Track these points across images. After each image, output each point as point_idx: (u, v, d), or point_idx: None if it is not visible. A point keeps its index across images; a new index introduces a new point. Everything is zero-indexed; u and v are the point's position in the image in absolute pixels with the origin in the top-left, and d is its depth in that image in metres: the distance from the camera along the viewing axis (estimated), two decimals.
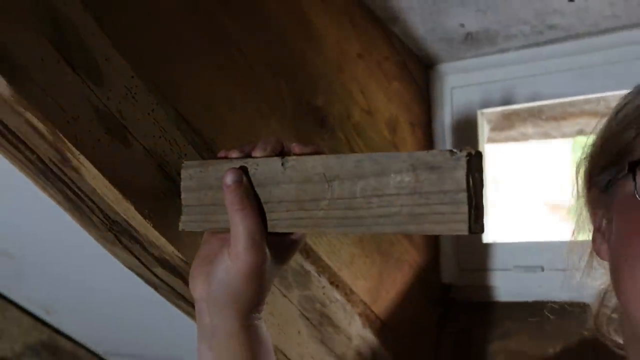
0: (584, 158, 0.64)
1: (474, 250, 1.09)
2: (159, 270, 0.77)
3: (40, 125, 0.60)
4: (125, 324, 1.24)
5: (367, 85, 0.99)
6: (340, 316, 0.90)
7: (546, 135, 1.16)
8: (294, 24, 0.88)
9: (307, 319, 0.86)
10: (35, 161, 0.67)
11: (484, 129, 1.12)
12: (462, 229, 0.48)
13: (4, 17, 0.57)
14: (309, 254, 0.85)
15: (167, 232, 0.69)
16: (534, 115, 1.14)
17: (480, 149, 1.10)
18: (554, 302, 0.83)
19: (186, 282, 0.69)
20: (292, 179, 0.58)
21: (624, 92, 0.62)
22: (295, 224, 0.58)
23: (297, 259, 0.83)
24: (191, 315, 0.80)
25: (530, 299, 1.00)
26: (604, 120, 0.63)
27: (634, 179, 0.55)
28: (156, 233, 0.68)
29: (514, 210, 1.20)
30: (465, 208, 0.48)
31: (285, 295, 0.83)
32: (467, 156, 0.48)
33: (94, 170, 0.63)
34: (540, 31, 1.00)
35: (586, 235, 0.66)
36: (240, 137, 0.77)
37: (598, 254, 0.63)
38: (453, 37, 1.05)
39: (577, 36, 1.00)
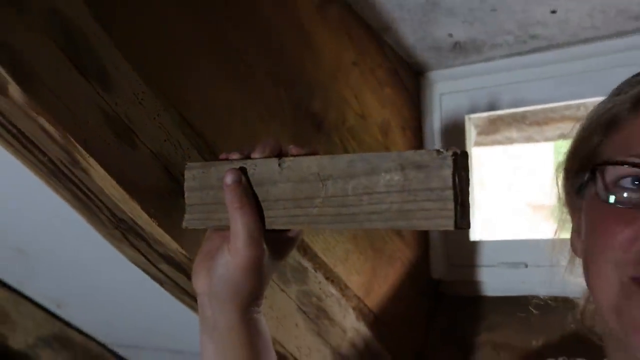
0: (561, 164, 0.65)
1: (462, 247, 1.09)
2: (164, 266, 0.77)
3: (51, 129, 0.60)
4: (132, 317, 1.24)
5: (361, 92, 0.99)
6: (336, 310, 0.90)
7: (529, 139, 1.16)
8: (292, 35, 0.88)
9: (304, 312, 0.86)
10: (47, 163, 0.67)
11: (471, 133, 1.12)
12: (449, 224, 0.48)
13: (19, 27, 0.57)
14: (306, 251, 0.85)
15: (171, 230, 0.69)
16: (518, 120, 1.14)
17: (467, 151, 1.10)
18: (537, 297, 0.83)
19: (189, 278, 0.69)
20: (288, 178, 0.58)
21: (602, 98, 0.63)
22: (292, 221, 0.59)
23: (294, 256, 0.83)
24: (194, 308, 0.80)
25: (514, 293, 1.00)
26: (578, 126, 0.63)
27: (596, 181, 0.55)
28: (161, 231, 0.68)
29: (499, 210, 1.20)
30: (451, 205, 0.48)
31: (283, 290, 0.83)
32: (453, 155, 0.48)
33: (102, 172, 0.63)
34: (524, 41, 1.01)
35: (568, 234, 0.67)
36: (241, 140, 0.77)
37: (575, 252, 0.64)
38: (442, 46, 1.05)
39: (558, 46, 1.01)
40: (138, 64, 0.67)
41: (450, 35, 1.02)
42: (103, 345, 1.44)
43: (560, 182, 0.66)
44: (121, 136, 0.65)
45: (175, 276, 0.78)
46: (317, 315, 0.87)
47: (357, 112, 0.98)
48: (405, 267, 1.04)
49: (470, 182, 0.50)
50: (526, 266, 1.03)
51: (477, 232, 1.11)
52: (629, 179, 0.54)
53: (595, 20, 0.93)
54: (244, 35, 0.81)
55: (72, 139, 0.61)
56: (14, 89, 0.57)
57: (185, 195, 0.67)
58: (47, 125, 0.60)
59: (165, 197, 0.69)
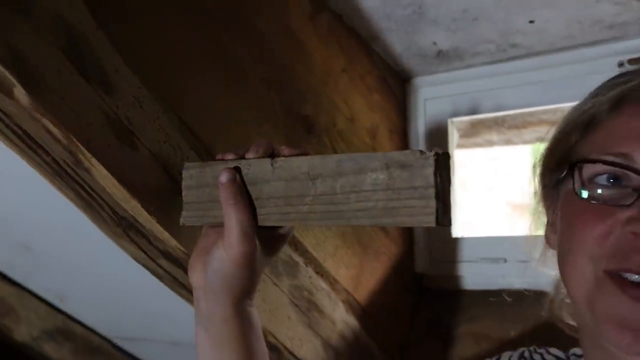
0: (539, 160, 0.66)
1: (444, 243, 1.10)
2: (163, 262, 0.77)
3: (55, 131, 0.60)
4: (132, 310, 1.23)
5: (350, 97, 0.99)
6: (326, 303, 0.90)
7: (509, 142, 1.17)
8: (285, 43, 0.89)
9: (296, 305, 0.86)
10: (51, 163, 0.67)
11: (454, 136, 1.12)
12: (430, 221, 0.48)
13: (24, 32, 0.57)
14: (297, 246, 0.86)
15: (170, 228, 0.69)
16: (498, 124, 1.15)
17: (450, 153, 1.11)
18: (515, 290, 0.84)
19: (187, 272, 0.69)
20: (280, 177, 0.58)
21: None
22: (283, 218, 0.59)
23: (286, 251, 0.83)
24: (191, 302, 0.79)
25: (494, 287, 1.00)
26: (554, 128, 0.64)
27: (573, 177, 0.56)
28: (160, 228, 0.69)
29: (480, 208, 1.20)
30: (433, 202, 0.48)
31: (276, 284, 0.83)
32: (435, 156, 0.49)
33: (104, 172, 0.63)
34: (504, 49, 1.02)
35: (542, 231, 0.67)
36: (236, 142, 0.77)
37: (549, 243, 0.64)
38: (427, 54, 1.05)
39: (536, 54, 1.01)
40: (138, 69, 0.67)
41: (435, 43, 1.02)
42: (104, 338, 1.43)
43: (537, 178, 0.66)
44: (122, 138, 0.65)
45: (174, 271, 0.78)
46: (308, 308, 0.88)
47: (347, 116, 0.99)
48: (390, 262, 1.04)
49: (452, 182, 0.51)
50: (505, 261, 1.03)
51: (459, 229, 1.11)
52: (604, 177, 0.54)
53: (571, 30, 0.94)
54: (240, 42, 0.81)
55: (76, 140, 0.61)
56: (19, 92, 0.57)
57: (183, 193, 0.67)
58: (51, 127, 0.60)
59: (164, 196, 0.69)
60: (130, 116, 0.66)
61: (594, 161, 0.55)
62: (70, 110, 0.60)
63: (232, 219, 0.59)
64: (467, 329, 1.02)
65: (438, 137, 1.11)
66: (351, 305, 0.95)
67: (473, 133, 1.18)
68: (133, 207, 0.67)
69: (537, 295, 0.76)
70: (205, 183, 0.64)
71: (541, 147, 0.66)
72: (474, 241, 1.09)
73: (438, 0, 0.92)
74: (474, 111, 1.09)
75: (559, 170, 0.60)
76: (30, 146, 0.66)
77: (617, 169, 0.53)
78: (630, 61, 0.94)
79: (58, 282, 1.28)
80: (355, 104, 1.00)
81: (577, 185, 0.55)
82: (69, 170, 0.67)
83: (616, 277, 0.52)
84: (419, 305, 1.09)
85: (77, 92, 0.61)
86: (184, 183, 0.67)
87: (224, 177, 0.60)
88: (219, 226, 0.63)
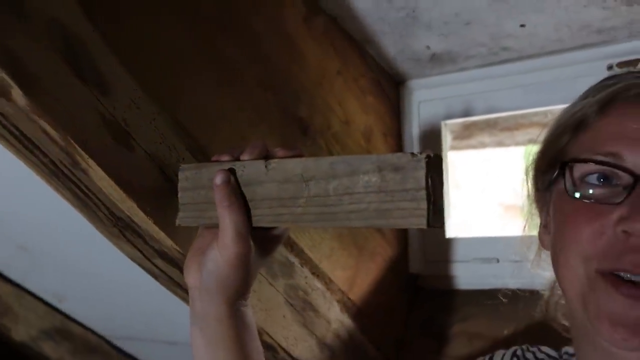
0: (531, 163, 0.66)
1: (438, 244, 1.10)
2: (159, 262, 0.76)
3: (52, 132, 0.60)
4: (129, 310, 1.23)
5: (345, 99, 0.99)
6: (321, 302, 0.90)
7: (501, 144, 1.17)
8: (281, 45, 0.89)
9: (291, 305, 0.86)
10: (48, 164, 0.67)
11: (447, 138, 1.13)
12: (421, 223, 0.48)
13: (21, 34, 0.57)
14: (293, 247, 0.85)
15: (166, 228, 0.69)
16: (491, 126, 1.15)
17: (444, 155, 1.11)
18: (508, 289, 0.84)
19: (183, 272, 0.69)
20: (274, 179, 0.58)
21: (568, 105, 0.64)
22: (277, 220, 0.59)
23: (282, 252, 0.83)
24: (187, 301, 0.79)
25: (487, 287, 1.00)
26: (546, 130, 0.64)
27: (564, 177, 0.56)
28: (156, 228, 0.68)
29: (473, 209, 1.21)
30: (424, 204, 0.48)
31: (271, 284, 0.83)
32: (426, 158, 0.48)
33: (101, 172, 0.63)
34: (496, 52, 1.02)
35: (535, 231, 0.68)
36: (232, 143, 0.77)
37: (542, 245, 0.64)
38: (420, 57, 1.06)
39: (527, 57, 1.02)
40: (134, 70, 0.67)
41: (428, 47, 1.02)
42: (102, 337, 1.42)
43: (529, 180, 0.67)
44: (119, 139, 0.65)
45: (170, 271, 0.77)
46: (304, 308, 0.87)
47: (342, 118, 0.98)
48: (385, 262, 1.04)
49: (444, 184, 0.51)
50: (498, 261, 1.03)
51: (453, 230, 1.11)
52: (595, 176, 0.54)
53: (561, 34, 0.94)
54: (235, 44, 0.81)
55: (72, 141, 0.61)
56: (16, 93, 0.57)
57: (179, 194, 0.67)
58: (48, 128, 0.60)
59: (160, 196, 0.68)
60: (127, 117, 0.65)
61: (585, 161, 0.55)
62: (66, 111, 0.60)
63: (227, 220, 0.59)
64: (461, 328, 1.02)
65: (432, 139, 1.11)
66: (346, 304, 0.94)
67: (466, 135, 1.18)
68: (129, 207, 0.66)
69: (530, 295, 0.76)
70: (201, 185, 0.64)
71: (533, 149, 0.66)
72: (468, 241, 1.09)
73: (431, 3, 0.92)
74: (466, 113, 1.09)
75: (550, 171, 0.60)
76: (27, 147, 0.65)
77: (607, 168, 0.54)
78: (620, 64, 0.94)
79: (55, 282, 1.28)
80: (349, 106, 1.00)
81: (569, 184, 0.56)
82: (65, 171, 0.66)
83: (609, 276, 0.52)
84: (413, 305, 1.09)
85: (74, 93, 0.61)
86: (179, 184, 0.67)
87: (218, 179, 0.59)
88: (214, 227, 0.63)
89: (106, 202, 0.68)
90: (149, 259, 0.77)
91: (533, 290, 0.75)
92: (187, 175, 0.66)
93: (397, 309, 1.08)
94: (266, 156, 0.61)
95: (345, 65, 1.00)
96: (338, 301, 0.93)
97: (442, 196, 0.50)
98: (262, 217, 0.60)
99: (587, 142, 0.57)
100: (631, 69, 0.92)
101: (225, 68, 0.79)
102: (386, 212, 0.50)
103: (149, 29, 0.70)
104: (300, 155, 0.60)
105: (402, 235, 1.10)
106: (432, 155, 0.49)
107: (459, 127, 1.17)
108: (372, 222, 0.51)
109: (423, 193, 0.48)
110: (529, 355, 0.71)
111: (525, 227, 0.71)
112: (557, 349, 0.70)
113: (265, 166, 0.59)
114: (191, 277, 0.62)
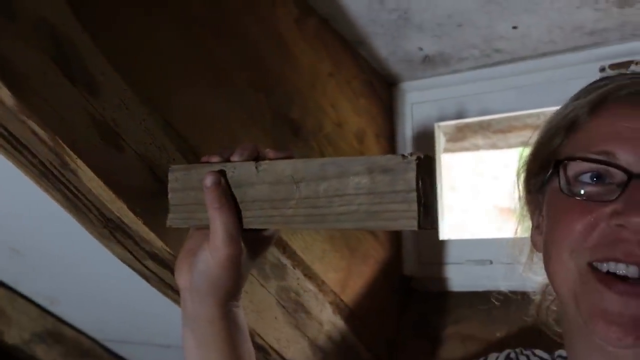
0: (523, 166, 0.66)
1: (431, 246, 1.09)
2: (150, 263, 0.76)
3: (41, 132, 0.60)
4: (121, 313, 1.22)
5: (337, 101, 0.99)
6: (313, 304, 0.90)
7: (494, 146, 1.17)
8: (273, 47, 0.88)
9: (283, 306, 0.85)
10: (37, 165, 0.66)
11: (440, 140, 1.12)
12: (412, 225, 0.48)
13: (9, 35, 0.57)
14: (285, 249, 0.85)
15: (156, 229, 0.68)
16: (484, 128, 1.15)
17: (437, 157, 1.11)
18: (500, 292, 0.84)
19: (174, 274, 0.69)
20: (264, 180, 0.58)
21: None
22: (268, 221, 0.58)
23: (274, 253, 0.83)
24: (179, 303, 0.79)
25: (480, 289, 1.00)
26: (537, 132, 0.64)
27: (558, 175, 0.56)
28: (146, 229, 0.68)
29: (466, 211, 1.20)
30: (415, 206, 0.48)
31: (263, 286, 0.82)
32: (417, 160, 0.48)
33: (90, 173, 0.63)
34: (488, 54, 1.02)
35: (527, 234, 0.67)
36: (223, 144, 0.77)
37: (535, 246, 0.64)
38: (413, 59, 1.05)
39: (519, 59, 1.02)
40: (124, 71, 0.66)
41: (421, 49, 1.02)
42: (94, 340, 1.42)
43: (521, 185, 0.66)
44: (108, 139, 0.64)
45: (161, 272, 0.77)
46: (296, 309, 0.87)
47: (334, 120, 0.98)
48: (378, 264, 1.04)
49: (436, 185, 0.50)
50: (491, 263, 1.03)
51: (446, 231, 1.11)
52: (588, 175, 0.55)
53: (553, 36, 0.94)
54: (227, 45, 0.81)
55: (61, 142, 0.60)
56: (4, 94, 0.56)
57: (169, 196, 0.66)
58: (36, 128, 0.59)
59: (150, 197, 0.68)
60: (116, 117, 0.65)
61: (579, 159, 0.55)
62: (55, 111, 0.60)
63: (217, 221, 0.58)
64: (454, 330, 1.02)
65: (425, 141, 1.11)
66: (338, 306, 0.94)
67: (459, 137, 1.18)
68: (119, 208, 0.66)
69: (523, 297, 0.76)
70: (191, 186, 0.63)
71: (525, 151, 0.66)
72: (461, 243, 1.08)
73: (423, 5, 0.92)
74: (460, 115, 1.09)
75: (543, 173, 0.60)
76: (16, 147, 0.65)
77: (601, 166, 0.54)
78: (612, 66, 0.94)
79: (48, 285, 1.27)
80: (341, 107, 1.00)
81: (563, 183, 0.56)
82: (55, 172, 0.66)
83: (600, 274, 0.52)
84: (406, 307, 1.09)
85: (63, 93, 0.60)
86: (169, 185, 0.66)
87: (208, 181, 0.59)
88: (205, 228, 0.62)
89: (96, 203, 0.68)
90: (139, 261, 0.76)
91: (526, 292, 0.75)
92: (177, 177, 0.65)
93: (389, 310, 1.07)
94: (257, 157, 0.61)
95: (338, 66, 1.00)
96: (330, 303, 0.93)
97: (434, 198, 0.50)
98: (253, 219, 0.59)
99: (580, 142, 0.57)
100: (623, 70, 0.92)
101: (216, 69, 0.79)
102: (376, 214, 0.50)
103: (139, 30, 0.70)
104: (291, 157, 0.59)
105: (396, 237, 1.09)
106: (422, 156, 0.49)
107: (453, 129, 1.17)
108: (362, 224, 0.51)
109: (414, 195, 0.48)
110: (522, 358, 0.71)
111: (517, 229, 0.70)
112: (550, 352, 0.70)
113: (256, 167, 0.58)
114: (182, 279, 0.62)
